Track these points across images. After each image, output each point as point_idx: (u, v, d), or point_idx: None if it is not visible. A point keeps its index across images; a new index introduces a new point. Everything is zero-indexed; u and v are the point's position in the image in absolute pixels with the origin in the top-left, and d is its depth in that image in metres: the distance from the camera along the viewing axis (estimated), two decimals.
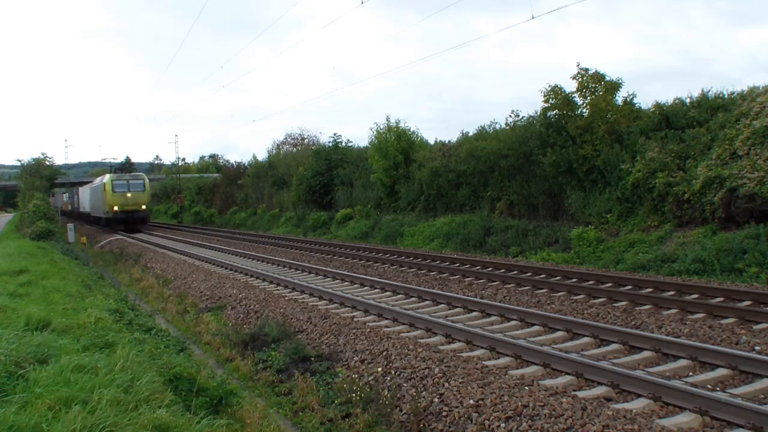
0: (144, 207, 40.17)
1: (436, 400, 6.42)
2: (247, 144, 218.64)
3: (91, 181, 53.87)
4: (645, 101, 29.10)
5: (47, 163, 51.03)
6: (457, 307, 10.97)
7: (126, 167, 44.03)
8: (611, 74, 19.30)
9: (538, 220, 19.99)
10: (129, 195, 39.34)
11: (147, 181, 42.22)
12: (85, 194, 54.15)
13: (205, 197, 53.46)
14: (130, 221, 39.36)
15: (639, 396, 6.05)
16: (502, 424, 5.61)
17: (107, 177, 41.54)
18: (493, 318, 10.02)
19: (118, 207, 38.85)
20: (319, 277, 15.89)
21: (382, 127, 28.42)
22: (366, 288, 13.69)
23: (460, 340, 8.51)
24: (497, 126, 24.38)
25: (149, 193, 42.81)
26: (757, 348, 7.61)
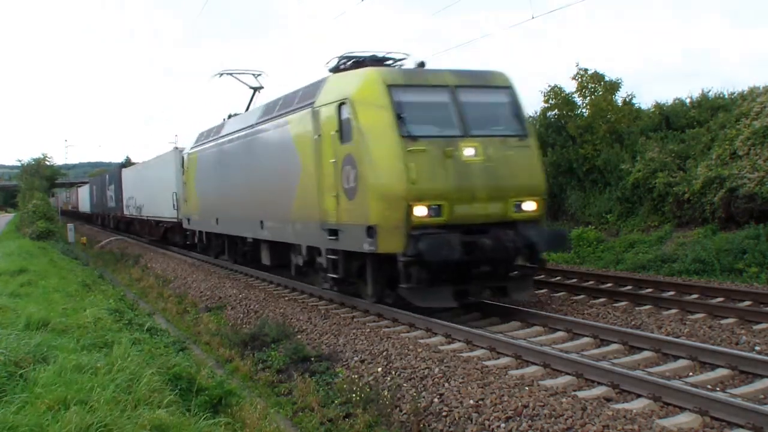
0: (536, 207, 9.19)
1: (436, 400, 6.41)
2: None
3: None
4: (646, 101, 29.20)
5: (47, 163, 51.09)
6: None
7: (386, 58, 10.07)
8: (614, 74, 19.40)
9: None
10: (477, 157, 8.59)
11: (522, 104, 9.65)
12: (159, 174, 23.20)
13: None
14: (484, 268, 9.08)
15: (639, 396, 6.04)
16: (502, 424, 5.60)
17: (366, 72, 9.22)
18: (493, 318, 10.00)
19: (448, 206, 8.56)
20: None
21: None
22: None
23: (459, 341, 8.50)
24: None
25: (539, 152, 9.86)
26: (757, 348, 7.60)
